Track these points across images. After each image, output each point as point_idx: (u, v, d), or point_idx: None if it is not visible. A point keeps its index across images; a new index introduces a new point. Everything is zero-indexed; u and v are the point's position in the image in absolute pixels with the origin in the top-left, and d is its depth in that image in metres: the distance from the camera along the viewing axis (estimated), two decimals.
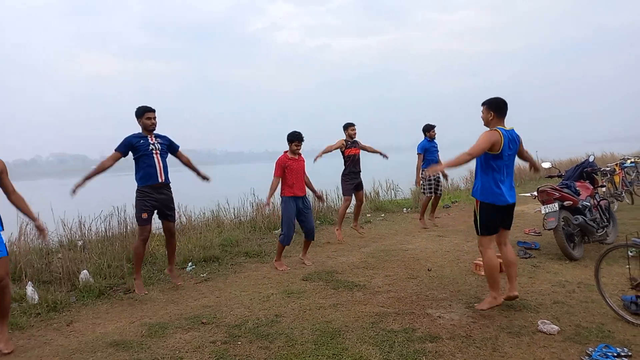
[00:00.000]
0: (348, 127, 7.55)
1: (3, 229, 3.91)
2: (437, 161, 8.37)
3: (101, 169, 4.92)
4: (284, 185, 5.90)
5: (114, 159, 4.96)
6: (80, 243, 6.98)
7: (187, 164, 5.50)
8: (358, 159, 7.62)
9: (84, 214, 7.92)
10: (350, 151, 7.49)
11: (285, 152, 5.98)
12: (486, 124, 4.04)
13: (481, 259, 5.26)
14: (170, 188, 5.31)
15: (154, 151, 5.09)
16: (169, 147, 5.30)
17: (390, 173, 14.60)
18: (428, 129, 8.39)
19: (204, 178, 5.63)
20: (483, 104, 4.06)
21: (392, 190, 12.79)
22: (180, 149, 5.45)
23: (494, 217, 4.00)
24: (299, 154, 6.03)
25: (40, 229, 4.14)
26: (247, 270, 5.93)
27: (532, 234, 7.11)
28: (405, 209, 10.84)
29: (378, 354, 3.30)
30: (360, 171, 7.68)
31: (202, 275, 5.74)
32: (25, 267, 5.45)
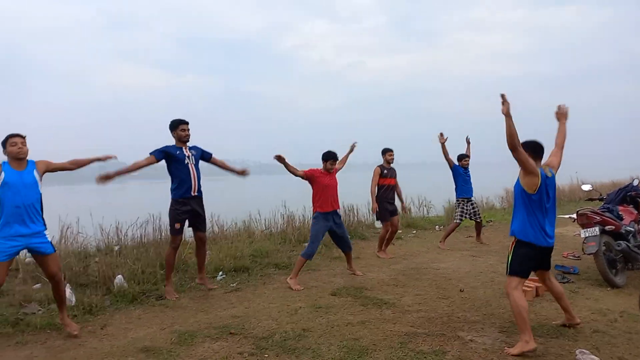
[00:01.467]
0: (386, 152, 7.33)
1: (46, 228, 4.11)
2: (471, 189, 8.25)
3: (134, 167, 5.06)
4: (316, 201, 5.92)
5: (148, 162, 5.11)
6: (117, 248, 7.18)
7: (223, 166, 5.65)
8: (393, 189, 7.33)
9: (121, 220, 8.17)
10: (385, 181, 7.18)
11: (319, 169, 6.01)
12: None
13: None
14: (202, 199, 5.44)
15: (189, 163, 5.23)
16: (202, 156, 5.45)
17: (423, 190, 14.44)
18: (461, 158, 8.28)
19: (242, 173, 5.75)
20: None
21: (425, 207, 12.60)
22: (213, 155, 5.59)
23: (528, 258, 3.75)
24: (332, 172, 6.04)
25: (105, 158, 4.61)
26: (276, 282, 5.94)
27: (571, 257, 6.84)
28: (437, 226, 10.65)
29: None
30: (394, 200, 7.36)
31: (232, 285, 5.78)
32: (65, 270, 5.62)
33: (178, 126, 5.30)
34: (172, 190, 5.28)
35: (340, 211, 9.98)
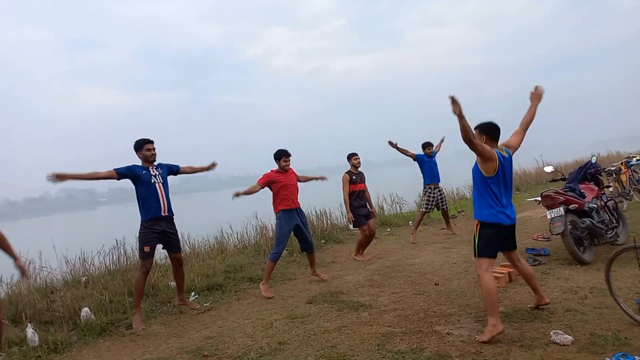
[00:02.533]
0: (352, 157, 7.24)
1: None
2: (437, 173, 8.40)
3: (92, 176, 4.87)
4: (277, 201, 5.87)
5: (108, 174, 4.91)
6: (84, 279, 6.91)
7: (193, 170, 5.58)
8: (363, 193, 7.24)
9: (87, 249, 7.89)
10: (355, 187, 7.06)
11: (273, 169, 5.94)
12: None
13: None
14: (173, 220, 5.28)
15: (156, 183, 5.07)
16: (170, 171, 5.32)
17: (395, 186, 14.53)
18: (425, 146, 8.43)
19: (211, 166, 5.72)
20: (476, 128, 3.89)
21: (397, 204, 12.66)
22: (180, 166, 5.47)
23: (494, 238, 3.79)
24: (289, 169, 5.99)
25: (21, 269, 4.00)
26: (250, 296, 5.81)
27: (541, 239, 6.95)
28: (410, 222, 10.67)
29: None
30: (365, 204, 7.28)
31: (205, 304, 5.61)
32: (26, 308, 5.36)
33: (143, 146, 5.12)
34: (141, 212, 5.08)
35: (313, 216, 9.94)
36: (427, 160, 8.41)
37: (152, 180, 5.06)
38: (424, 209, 8.42)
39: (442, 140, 8.95)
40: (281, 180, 5.88)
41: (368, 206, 7.24)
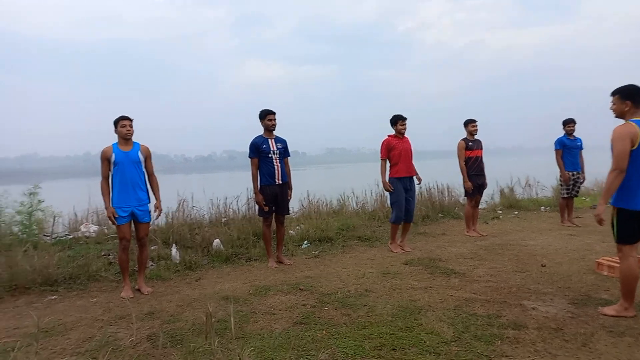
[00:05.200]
0: (468, 123, 7.14)
1: (149, 202, 4.82)
2: (578, 162, 7.67)
3: (255, 180, 5.55)
4: (390, 166, 6.09)
5: (255, 167, 5.53)
6: (224, 220, 8.09)
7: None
8: (481, 161, 7.11)
9: (230, 199, 9.14)
10: (471, 153, 7.02)
11: (389, 135, 6.15)
12: (620, 116, 3.56)
13: (607, 258, 4.78)
14: (285, 186, 5.68)
15: (273, 157, 5.54)
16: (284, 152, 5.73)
17: (536, 172, 13.47)
18: (566, 123, 7.71)
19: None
20: (614, 94, 3.57)
21: (533, 187, 11.79)
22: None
23: (632, 225, 3.49)
24: (403, 135, 6.15)
25: (158, 209, 4.88)
26: (355, 251, 6.25)
27: None
28: (543, 207, 9.96)
29: (450, 332, 3.32)
30: (483, 174, 7.14)
31: (314, 252, 6.23)
32: (175, 235, 6.58)
33: (266, 116, 5.59)
34: (259, 177, 5.61)
35: (434, 189, 9.91)
36: (568, 143, 7.72)
37: (270, 155, 5.52)
38: (565, 195, 7.83)
39: None
40: (395, 145, 6.09)
41: (484, 176, 7.08)
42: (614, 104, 3.60)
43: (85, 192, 8.56)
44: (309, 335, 3.35)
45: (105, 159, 4.58)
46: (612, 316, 3.52)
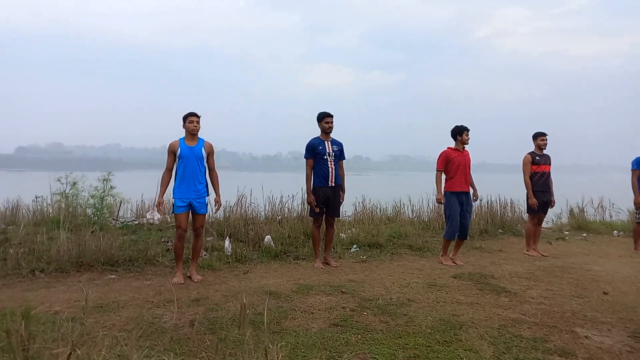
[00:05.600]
0: (537, 137, 6.82)
1: (208, 194, 5.06)
2: None
3: (309, 180, 5.62)
4: (446, 179, 5.93)
5: (309, 167, 5.63)
6: (279, 218, 8.28)
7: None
8: (548, 177, 6.75)
9: (286, 198, 9.33)
10: (538, 168, 6.68)
11: (449, 147, 5.99)
12: None
13: None
14: (338, 188, 5.71)
15: (328, 160, 5.59)
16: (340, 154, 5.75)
17: (613, 192, 12.52)
18: None
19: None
20: None
21: (606, 210, 10.95)
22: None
23: None
24: (464, 148, 5.97)
25: (218, 203, 5.08)
26: (404, 260, 6.15)
27: None
28: (616, 231, 9.23)
29: (490, 351, 3.18)
30: (550, 191, 6.78)
31: (362, 257, 6.21)
32: (229, 228, 6.82)
33: (323, 119, 5.64)
34: (313, 178, 5.66)
35: (496, 203, 9.50)
36: None
37: (325, 157, 5.58)
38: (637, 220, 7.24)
39: None
40: (454, 158, 5.93)
41: (550, 193, 6.72)
42: None
43: (155, 182, 9.11)
44: (344, 338, 3.36)
45: (171, 152, 4.86)
46: None
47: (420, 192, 10.12)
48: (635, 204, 7.13)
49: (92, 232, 5.63)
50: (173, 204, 4.84)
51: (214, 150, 5.08)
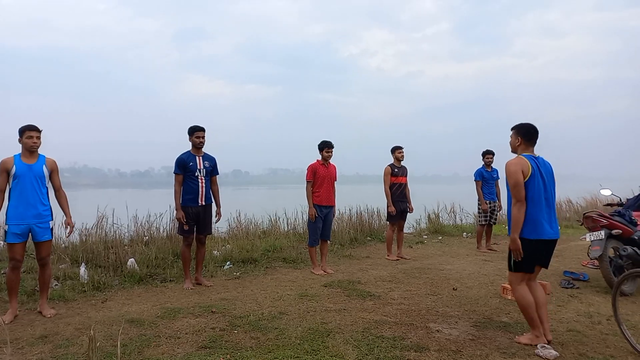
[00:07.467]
0: (395, 150, 7.36)
1: (52, 218, 4.48)
2: (494, 192, 8.15)
3: (178, 196, 5.35)
4: (313, 192, 6.15)
5: (179, 182, 5.38)
6: (146, 238, 7.74)
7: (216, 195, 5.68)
8: (405, 187, 7.36)
9: (152, 214, 8.76)
10: (396, 179, 7.24)
11: (318, 160, 6.23)
12: (513, 150, 3.80)
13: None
14: (209, 206, 5.55)
15: (199, 176, 5.40)
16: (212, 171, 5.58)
17: (462, 198, 14.10)
18: (485, 154, 8.18)
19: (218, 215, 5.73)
20: (512, 129, 3.80)
21: (457, 214, 12.34)
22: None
23: (531, 254, 3.60)
24: (329, 162, 6.26)
25: (70, 225, 4.60)
26: (278, 273, 6.18)
27: (590, 266, 6.51)
28: (465, 233, 10.43)
29: (354, 355, 3.33)
30: (406, 200, 7.36)
31: (235, 273, 6.09)
32: (85, 253, 6.20)
33: (194, 133, 5.44)
34: (182, 196, 5.42)
35: (365, 212, 10.08)
36: (486, 174, 8.20)
37: (196, 173, 5.37)
38: (483, 222, 8.24)
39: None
40: (319, 171, 6.16)
41: (407, 202, 7.34)
42: (510, 138, 3.85)
43: None
44: None
45: (4, 170, 4.23)
46: (526, 344, 3.54)
47: (296, 204, 10.32)
48: (483, 210, 8.12)
49: None
50: (5, 232, 4.21)
51: (58, 167, 4.55)
